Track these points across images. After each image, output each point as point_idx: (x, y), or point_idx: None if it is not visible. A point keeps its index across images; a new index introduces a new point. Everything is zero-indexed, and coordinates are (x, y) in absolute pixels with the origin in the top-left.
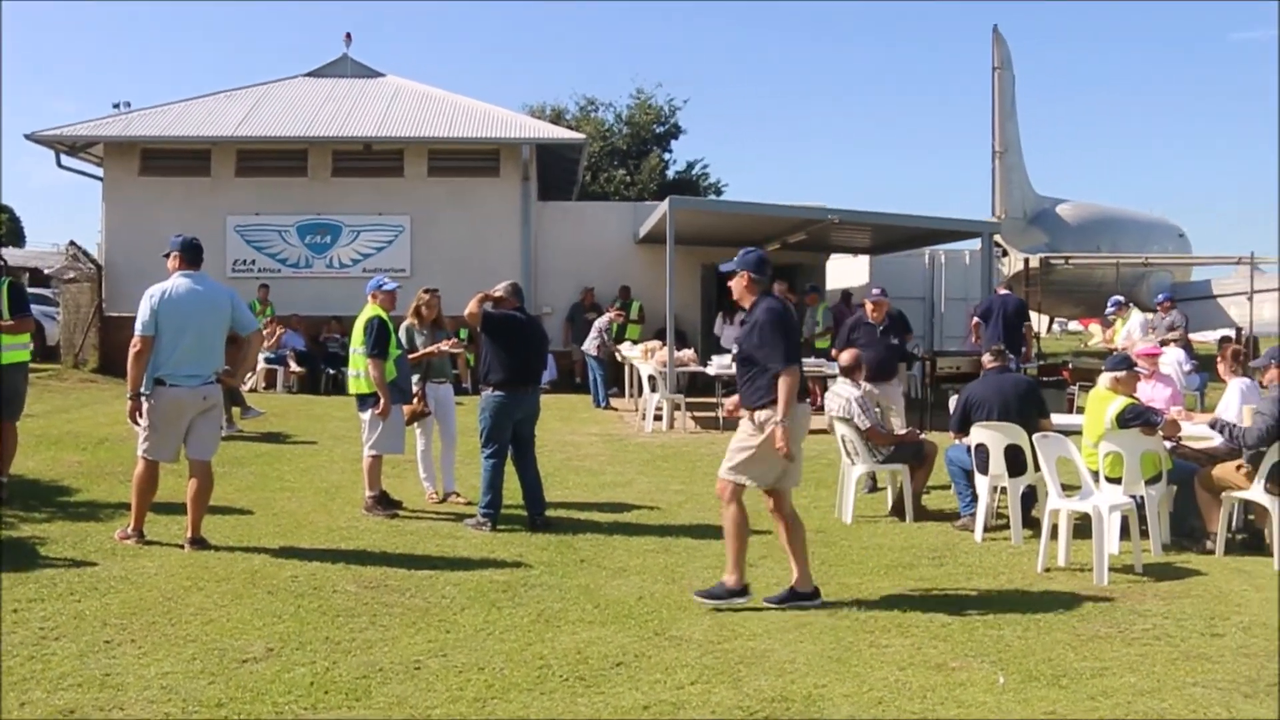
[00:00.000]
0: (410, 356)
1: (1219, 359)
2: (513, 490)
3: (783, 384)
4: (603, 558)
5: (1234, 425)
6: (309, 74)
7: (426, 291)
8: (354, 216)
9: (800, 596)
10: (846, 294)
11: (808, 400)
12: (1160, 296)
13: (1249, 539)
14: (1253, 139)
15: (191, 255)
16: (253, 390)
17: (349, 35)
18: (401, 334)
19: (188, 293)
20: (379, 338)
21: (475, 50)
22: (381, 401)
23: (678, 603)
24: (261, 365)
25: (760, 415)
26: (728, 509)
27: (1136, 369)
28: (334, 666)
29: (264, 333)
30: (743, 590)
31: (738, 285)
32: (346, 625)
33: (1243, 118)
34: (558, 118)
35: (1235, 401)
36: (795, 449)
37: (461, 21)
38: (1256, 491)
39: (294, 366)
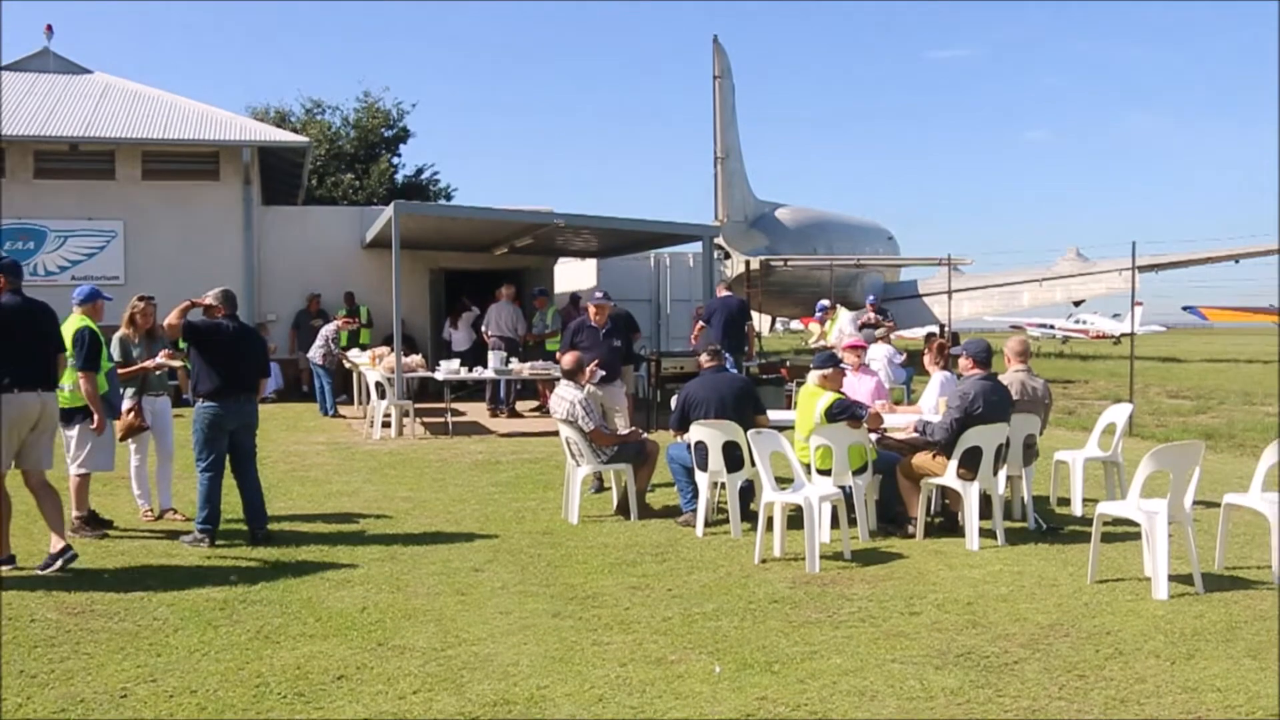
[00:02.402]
0: (126, 370)
1: (925, 352)
2: (233, 504)
3: None
4: (326, 569)
5: (928, 424)
6: (5, 67)
7: (141, 299)
8: (61, 221)
9: (61, 556)
10: (575, 297)
11: (16, 392)
12: (870, 298)
13: (945, 521)
14: (955, 149)
15: None
16: None
17: (50, 27)
18: (114, 345)
19: None
20: (91, 350)
21: (193, 49)
22: (95, 417)
23: (402, 611)
24: None
25: None
26: None
27: (842, 366)
28: (28, 702)
29: None
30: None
31: None
32: (45, 656)
33: (942, 129)
34: (282, 120)
35: (935, 393)
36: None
37: (177, 18)
38: (950, 477)
39: None
